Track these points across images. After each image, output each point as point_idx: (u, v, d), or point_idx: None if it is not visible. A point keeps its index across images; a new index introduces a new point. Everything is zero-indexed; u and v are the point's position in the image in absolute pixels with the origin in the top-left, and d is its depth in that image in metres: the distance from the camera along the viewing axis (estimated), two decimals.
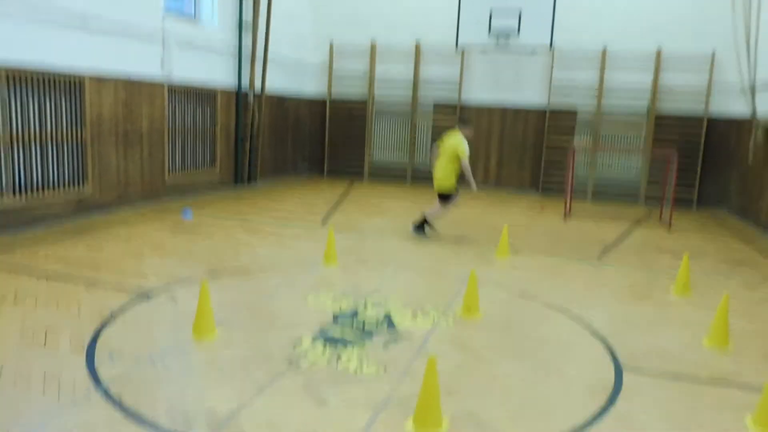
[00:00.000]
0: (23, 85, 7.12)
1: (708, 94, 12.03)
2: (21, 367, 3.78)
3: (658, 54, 12.13)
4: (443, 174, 7.83)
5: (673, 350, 4.64)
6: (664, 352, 4.61)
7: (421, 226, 8.00)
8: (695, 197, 12.38)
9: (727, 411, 3.70)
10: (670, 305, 5.80)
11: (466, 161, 7.68)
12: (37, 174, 7.49)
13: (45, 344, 4.13)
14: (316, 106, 14.52)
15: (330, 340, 4.43)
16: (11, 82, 6.96)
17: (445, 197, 7.93)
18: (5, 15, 6.77)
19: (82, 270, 5.86)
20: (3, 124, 6.92)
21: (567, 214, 10.56)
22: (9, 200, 7.08)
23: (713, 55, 11.86)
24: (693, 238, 9.20)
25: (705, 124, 12.13)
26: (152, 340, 4.30)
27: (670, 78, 12.25)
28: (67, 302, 4.95)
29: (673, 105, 12.29)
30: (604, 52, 12.41)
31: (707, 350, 4.68)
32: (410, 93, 13.74)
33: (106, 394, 3.48)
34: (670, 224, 9.95)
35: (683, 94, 12.22)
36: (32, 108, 7.33)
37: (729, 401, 3.83)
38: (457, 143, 7.73)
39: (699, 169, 12.28)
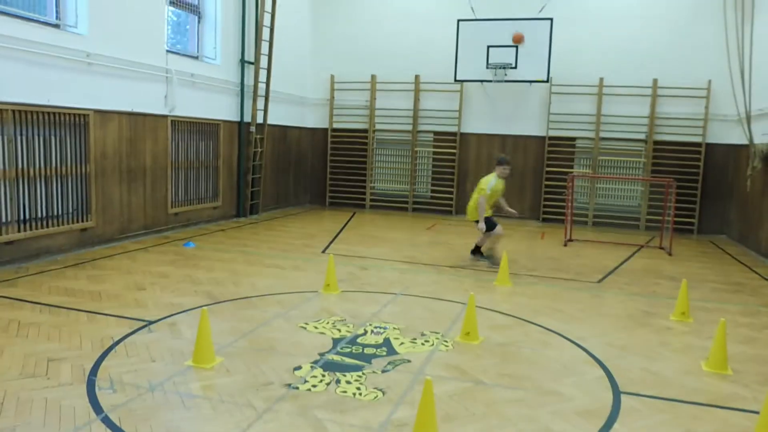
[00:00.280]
0: (29, 122, 7.28)
1: (705, 123, 12.17)
2: (23, 396, 3.82)
3: (655, 84, 12.32)
4: (470, 204, 8.68)
5: (672, 375, 4.65)
6: (663, 376, 4.62)
7: (477, 250, 8.73)
8: (696, 224, 12.43)
9: None
10: (669, 331, 5.81)
11: (481, 197, 8.30)
12: (41, 208, 7.60)
13: (47, 374, 4.17)
14: (317, 138, 14.73)
15: (329, 366, 4.46)
16: (17, 120, 7.12)
17: (484, 225, 8.43)
18: (11, 58, 6.96)
19: (84, 301, 5.92)
20: (9, 160, 7.05)
21: (567, 241, 10.61)
22: (14, 234, 7.17)
23: (709, 83, 12.04)
24: (693, 264, 9.22)
25: (703, 151, 12.25)
26: (152, 369, 4.33)
27: (667, 107, 12.42)
28: (69, 333, 5.00)
29: (671, 133, 12.44)
30: (600, 84, 12.61)
31: (706, 375, 4.69)
32: (410, 124, 13.95)
33: (107, 422, 3.51)
34: (670, 251, 9.98)
35: (681, 122, 12.37)
36: (38, 144, 7.47)
37: (726, 424, 3.84)
38: (482, 180, 8.54)
39: (699, 196, 12.36)
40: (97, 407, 3.69)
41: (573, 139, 13.05)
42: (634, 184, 12.97)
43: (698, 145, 12.30)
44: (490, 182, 8.36)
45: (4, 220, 7.09)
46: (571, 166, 13.05)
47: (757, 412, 3.75)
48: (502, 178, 8.49)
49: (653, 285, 7.69)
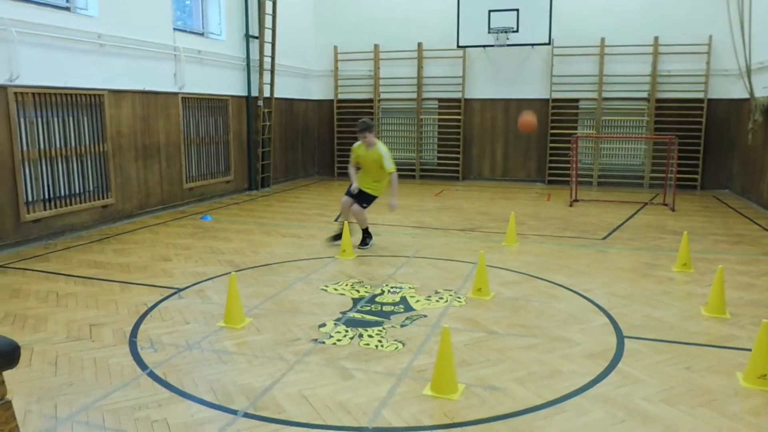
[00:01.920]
0: (47, 104, 7.53)
1: (707, 79, 12.27)
2: (73, 356, 4.16)
3: (656, 41, 12.40)
4: (380, 183, 7.50)
5: (673, 320, 4.95)
6: (664, 321, 4.92)
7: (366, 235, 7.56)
8: (699, 180, 12.63)
9: (720, 368, 4.01)
10: (671, 281, 6.10)
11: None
12: (63, 187, 7.90)
13: (91, 337, 4.51)
14: (323, 110, 14.92)
15: (351, 322, 4.79)
16: (37, 103, 7.37)
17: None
18: (28, 43, 7.17)
19: (114, 273, 6.25)
20: (31, 142, 7.33)
21: (573, 201, 10.85)
22: (40, 212, 7.48)
23: (710, 39, 12.10)
24: (696, 219, 9.47)
25: (705, 108, 12.37)
26: (188, 330, 4.67)
27: (669, 64, 12.51)
28: (105, 301, 5.33)
29: (673, 91, 12.56)
30: (602, 44, 12.69)
31: (705, 319, 4.98)
32: (415, 92, 14.10)
33: (153, 376, 3.85)
34: (673, 207, 10.22)
35: (682, 79, 12.47)
36: (57, 125, 7.73)
37: (723, 361, 4.14)
38: (384, 148, 7.44)
39: (702, 152, 12.53)
40: (141, 364, 4.03)
41: (576, 100, 13.19)
42: (637, 143, 13.14)
43: (700, 101, 12.43)
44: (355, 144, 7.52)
45: (30, 199, 7.40)
46: (575, 128, 13.22)
47: (750, 350, 4.03)
48: (365, 144, 7.36)
49: (656, 239, 7.96)
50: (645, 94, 12.75)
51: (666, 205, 10.58)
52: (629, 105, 12.96)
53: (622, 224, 8.99)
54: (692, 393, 3.67)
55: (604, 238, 8.08)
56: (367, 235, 7.47)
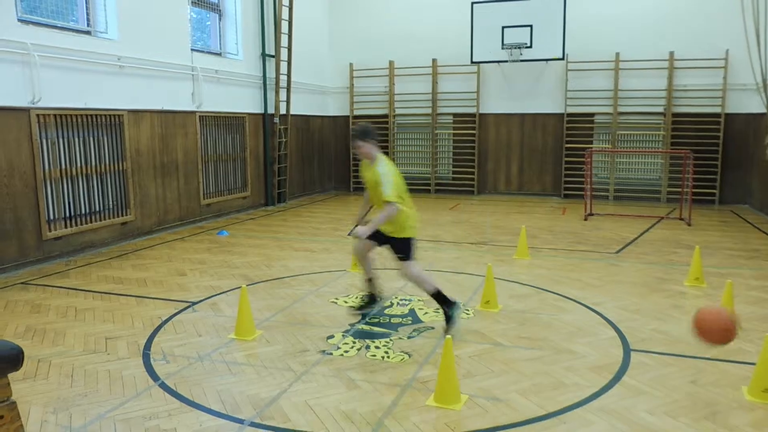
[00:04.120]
0: (69, 125, 7.77)
1: (724, 93, 12.21)
2: (88, 368, 4.29)
3: (671, 56, 12.38)
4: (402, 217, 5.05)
5: (681, 334, 4.94)
6: (672, 335, 4.91)
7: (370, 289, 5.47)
8: (717, 195, 12.51)
9: (725, 382, 4.01)
10: (682, 295, 6.08)
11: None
12: (84, 205, 8.12)
13: (106, 350, 4.64)
14: (339, 126, 15.11)
15: (359, 334, 4.87)
16: (58, 123, 7.62)
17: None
18: (51, 66, 7.43)
19: (132, 288, 6.40)
20: (53, 161, 7.57)
21: (587, 216, 10.84)
22: (61, 230, 7.70)
23: (727, 53, 12.05)
24: (712, 233, 9.40)
25: (723, 122, 12.29)
26: (199, 342, 4.78)
27: (685, 79, 12.47)
28: (122, 315, 5.48)
29: (690, 105, 12.51)
30: (617, 58, 12.71)
31: None
32: (430, 107, 14.23)
33: (164, 387, 3.96)
34: (689, 221, 10.15)
35: (699, 94, 12.42)
36: (77, 145, 7.97)
37: (729, 375, 4.13)
38: (387, 163, 5.14)
39: (719, 166, 12.43)
40: (153, 375, 4.15)
41: (591, 114, 13.20)
42: (653, 158, 13.09)
43: (717, 115, 12.35)
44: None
45: (51, 217, 7.61)
46: (591, 142, 13.22)
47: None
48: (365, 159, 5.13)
49: (670, 254, 7.92)
50: (661, 109, 12.72)
51: (682, 219, 10.51)
52: (645, 119, 12.93)
53: (636, 238, 8.96)
54: (696, 406, 3.67)
55: (617, 252, 8.07)
56: (442, 301, 4.89)
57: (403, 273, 4.95)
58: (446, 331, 4.79)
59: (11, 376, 2.72)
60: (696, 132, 12.48)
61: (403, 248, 4.93)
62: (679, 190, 11.92)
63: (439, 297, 4.88)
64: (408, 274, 4.92)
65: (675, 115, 12.61)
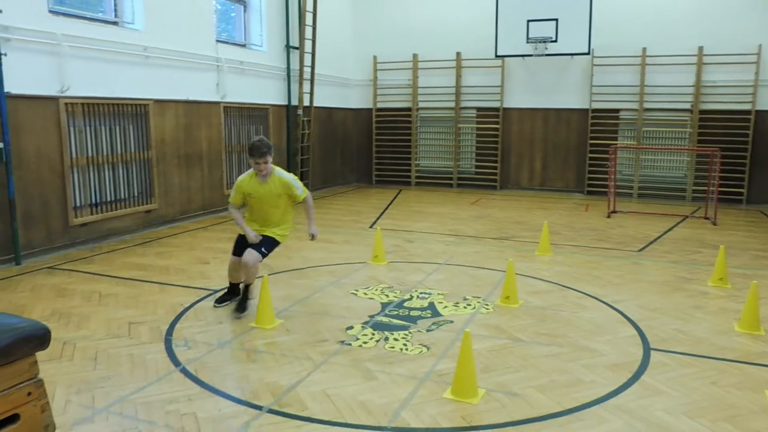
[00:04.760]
0: (95, 114, 7.89)
1: (755, 90, 11.96)
2: (111, 352, 4.38)
3: (700, 52, 12.16)
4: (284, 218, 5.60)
5: (703, 334, 4.88)
6: (694, 336, 4.85)
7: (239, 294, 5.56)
8: (745, 194, 12.29)
9: (747, 384, 3.95)
10: (705, 295, 5.99)
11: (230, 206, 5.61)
12: (109, 192, 8.25)
13: (129, 335, 4.73)
14: (362, 119, 15.13)
15: (378, 326, 4.90)
16: (86, 112, 7.74)
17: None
18: (79, 57, 7.55)
19: (154, 275, 6.50)
20: (80, 149, 7.70)
21: (610, 213, 10.72)
22: (87, 216, 7.84)
23: (760, 48, 11.80)
24: (738, 233, 9.24)
25: (753, 119, 12.05)
26: (220, 330, 4.85)
27: (714, 75, 12.24)
28: (144, 301, 5.57)
29: (719, 102, 12.28)
30: (643, 54, 12.52)
31: (737, 335, 4.89)
32: (453, 101, 14.17)
33: (185, 372, 4.03)
34: (714, 221, 9.99)
35: (729, 90, 12.19)
36: (104, 134, 8.09)
37: (751, 377, 4.07)
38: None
39: (748, 165, 12.20)
40: (175, 360, 4.22)
41: (617, 110, 13.03)
42: (679, 155, 12.89)
43: (747, 113, 12.11)
44: (241, 177, 5.48)
45: (78, 204, 7.75)
46: (615, 138, 13.06)
47: None
48: (258, 175, 5.31)
49: (694, 253, 7.81)
50: (688, 105, 12.51)
51: (707, 218, 10.35)
52: (671, 116, 12.73)
53: (659, 237, 8.85)
54: (715, 407, 3.63)
55: (640, 250, 7.98)
56: (248, 294, 5.35)
57: (248, 260, 5.17)
58: (235, 313, 5.22)
59: (38, 355, 2.79)
60: (724, 129, 12.26)
61: (272, 246, 5.37)
62: (705, 188, 11.73)
63: (248, 290, 5.35)
64: (251, 264, 5.19)
65: (702, 111, 12.39)
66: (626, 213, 10.94)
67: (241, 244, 5.35)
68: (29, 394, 2.62)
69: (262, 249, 5.25)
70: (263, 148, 5.13)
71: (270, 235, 5.35)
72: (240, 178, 5.38)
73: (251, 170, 5.30)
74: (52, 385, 3.81)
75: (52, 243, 7.37)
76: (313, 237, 5.55)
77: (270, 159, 5.21)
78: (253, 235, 5.23)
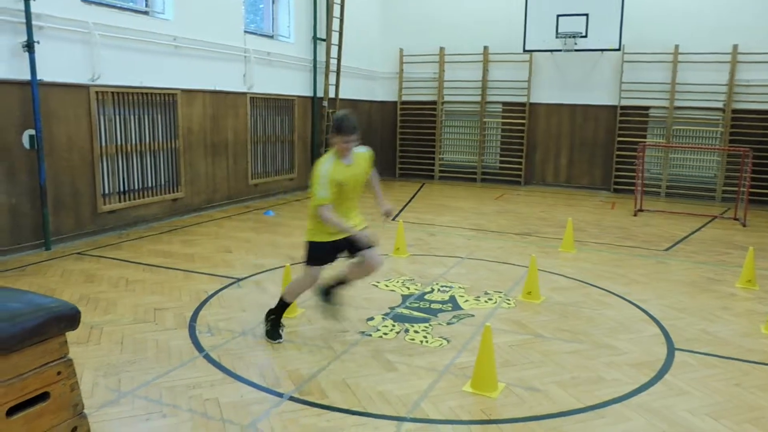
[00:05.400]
0: (125, 103, 8.01)
1: None
2: (137, 337, 4.47)
3: (735, 50, 11.90)
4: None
5: (729, 336, 4.81)
6: (719, 337, 4.78)
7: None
8: None
9: None
10: (732, 297, 5.89)
11: (320, 207, 4.23)
12: (137, 180, 8.38)
13: (155, 320, 4.82)
14: (387, 111, 15.11)
15: (399, 318, 4.92)
16: (115, 101, 7.86)
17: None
18: (109, 46, 7.66)
19: (180, 262, 6.60)
20: (109, 138, 7.82)
21: (637, 211, 10.58)
22: (115, 204, 7.97)
23: None
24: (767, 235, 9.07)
25: None
26: (243, 317, 4.91)
27: (749, 73, 11.96)
28: (170, 288, 5.66)
29: (753, 102, 12.01)
30: (675, 51, 12.30)
31: (764, 337, 4.81)
32: (479, 95, 14.08)
33: (208, 358, 4.09)
34: (744, 222, 9.81)
35: (764, 89, 11.89)
36: (133, 123, 8.21)
37: None
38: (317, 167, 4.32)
39: None
40: (198, 347, 4.29)
41: (646, 108, 12.83)
42: (710, 155, 12.65)
43: None
44: (324, 167, 4.23)
45: (106, 191, 7.89)
46: (644, 136, 12.86)
47: None
48: (344, 156, 4.35)
49: (722, 254, 7.68)
50: (720, 104, 12.26)
51: (737, 219, 10.15)
52: (702, 114, 12.48)
53: (687, 236, 8.71)
54: (739, 409, 3.58)
55: (667, 249, 7.87)
56: (277, 318, 4.49)
57: (378, 261, 4.57)
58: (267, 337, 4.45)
59: (67, 338, 2.86)
60: (757, 129, 11.99)
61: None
62: (736, 189, 11.50)
63: (280, 312, 4.48)
64: (380, 265, 4.62)
65: (735, 111, 12.13)
66: (653, 212, 10.79)
67: (330, 253, 4.40)
68: (59, 373, 2.68)
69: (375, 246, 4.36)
70: (354, 122, 4.27)
71: (362, 227, 4.50)
72: (323, 168, 4.18)
73: (328, 156, 4.28)
74: (80, 368, 3.89)
75: (81, 229, 7.52)
76: (389, 214, 4.76)
77: (348, 138, 4.28)
78: (364, 236, 4.33)
